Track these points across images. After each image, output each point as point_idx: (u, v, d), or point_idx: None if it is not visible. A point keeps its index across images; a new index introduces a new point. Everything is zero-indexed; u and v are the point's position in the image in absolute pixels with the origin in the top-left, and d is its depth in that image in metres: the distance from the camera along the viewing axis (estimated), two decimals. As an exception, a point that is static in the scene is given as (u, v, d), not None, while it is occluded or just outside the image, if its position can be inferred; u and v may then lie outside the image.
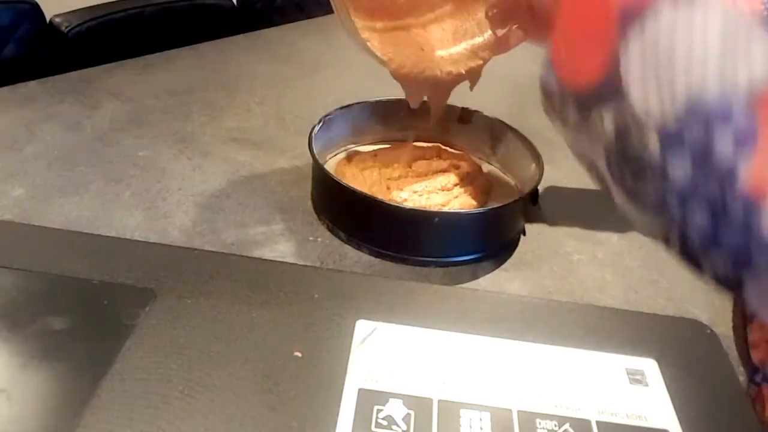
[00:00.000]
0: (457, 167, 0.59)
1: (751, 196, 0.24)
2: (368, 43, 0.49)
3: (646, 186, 0.28)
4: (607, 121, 0.29)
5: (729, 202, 0.25)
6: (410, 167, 0.60)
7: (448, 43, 0.54)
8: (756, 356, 0.43)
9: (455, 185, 0.57)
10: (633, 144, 0.28)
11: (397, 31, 0.54)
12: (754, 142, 0.24)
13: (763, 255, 0.25)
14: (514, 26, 0.44)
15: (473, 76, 0.54)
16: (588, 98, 0.30)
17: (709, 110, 0.25)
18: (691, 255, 0.28)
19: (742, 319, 0.47)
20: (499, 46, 0.48)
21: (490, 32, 0.53)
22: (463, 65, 0.53)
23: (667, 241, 0.29)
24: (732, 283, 0.28)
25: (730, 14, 0.26)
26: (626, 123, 0.28)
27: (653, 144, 0.26)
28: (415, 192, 0.55)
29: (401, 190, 0.56)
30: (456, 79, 0.53)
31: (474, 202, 0.56)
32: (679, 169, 0.26)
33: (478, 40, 0.54)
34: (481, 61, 0.53)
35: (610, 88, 0.28)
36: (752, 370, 0.43)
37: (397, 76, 0.52)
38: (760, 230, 0.24)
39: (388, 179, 0.58)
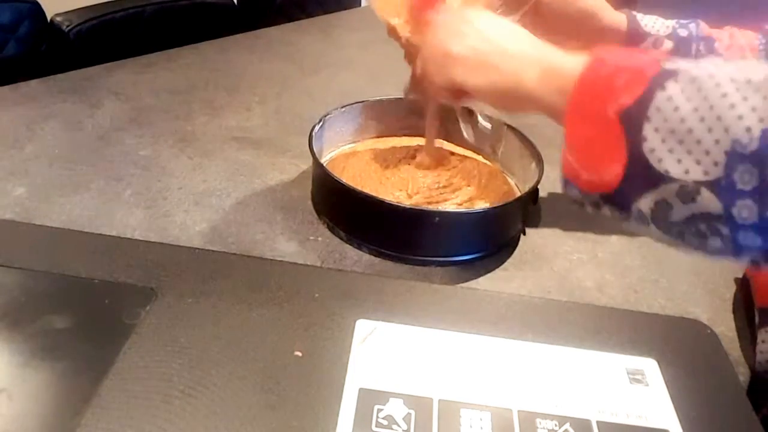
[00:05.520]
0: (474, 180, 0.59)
1: None
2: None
3: (712, 239, 0.29)
4: (644, 206, 0.30)
5: None
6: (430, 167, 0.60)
7: None
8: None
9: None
10: (682, 210, 0.29)
11: None
12: None
13: None
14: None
15: None
16: (619, 197, 0.31)
17: (756, 148, 0.26)
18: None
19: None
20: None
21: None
22: None
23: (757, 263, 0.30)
24: None
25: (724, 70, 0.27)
26: (667, 198, 0.29)
27: (707, 199, 0.28)
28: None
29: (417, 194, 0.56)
30: None
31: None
32: (745, 210, 0.27)
33: None
34: None
35: (637, 181, 0.30)
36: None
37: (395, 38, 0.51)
38: None
39: (389, 178, 0.58)
